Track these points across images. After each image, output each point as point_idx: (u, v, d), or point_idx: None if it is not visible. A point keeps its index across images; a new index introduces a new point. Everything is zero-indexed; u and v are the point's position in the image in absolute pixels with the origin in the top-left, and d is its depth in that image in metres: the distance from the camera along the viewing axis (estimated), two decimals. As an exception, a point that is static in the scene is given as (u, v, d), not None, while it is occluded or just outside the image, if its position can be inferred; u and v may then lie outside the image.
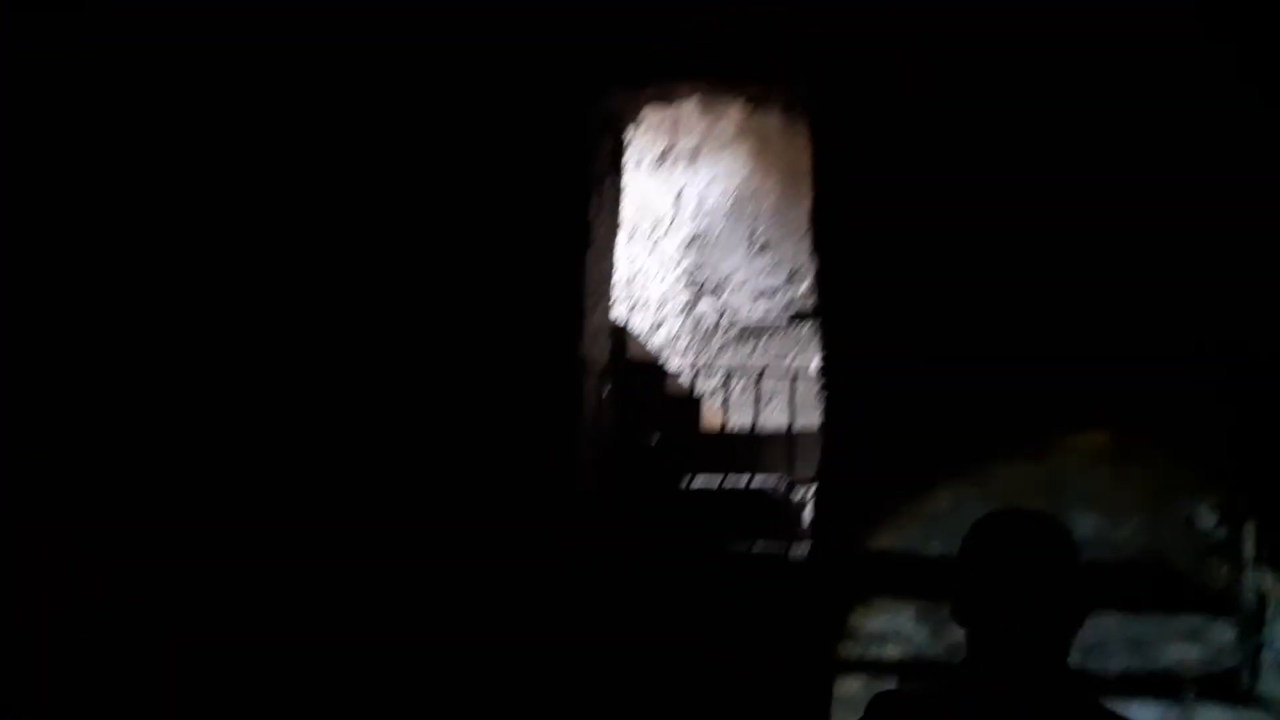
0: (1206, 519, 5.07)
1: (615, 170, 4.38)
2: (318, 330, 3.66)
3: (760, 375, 3.87)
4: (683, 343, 6.65)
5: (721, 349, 6.60)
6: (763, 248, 6.67)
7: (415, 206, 3.81)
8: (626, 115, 4.38)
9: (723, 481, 4.04)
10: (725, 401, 6.08)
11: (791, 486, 4.34)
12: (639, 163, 6.81)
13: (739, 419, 5.86)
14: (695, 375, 6.00)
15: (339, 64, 3.79)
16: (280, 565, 3.37)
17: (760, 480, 4.14)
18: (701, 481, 4.21)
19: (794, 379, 3.93)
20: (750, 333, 6.59)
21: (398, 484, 3.52)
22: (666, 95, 4.33)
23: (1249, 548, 3.53)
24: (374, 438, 3.58)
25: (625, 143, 4.52)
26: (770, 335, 6.61)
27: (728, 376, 3.54)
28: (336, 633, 3.36)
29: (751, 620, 3.28)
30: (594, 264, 4.14)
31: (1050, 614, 1.30)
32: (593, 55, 3.91)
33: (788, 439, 4.49)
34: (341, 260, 3.74)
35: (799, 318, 4.43)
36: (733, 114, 6.41)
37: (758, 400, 4.85)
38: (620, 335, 4.94)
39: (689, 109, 6.54)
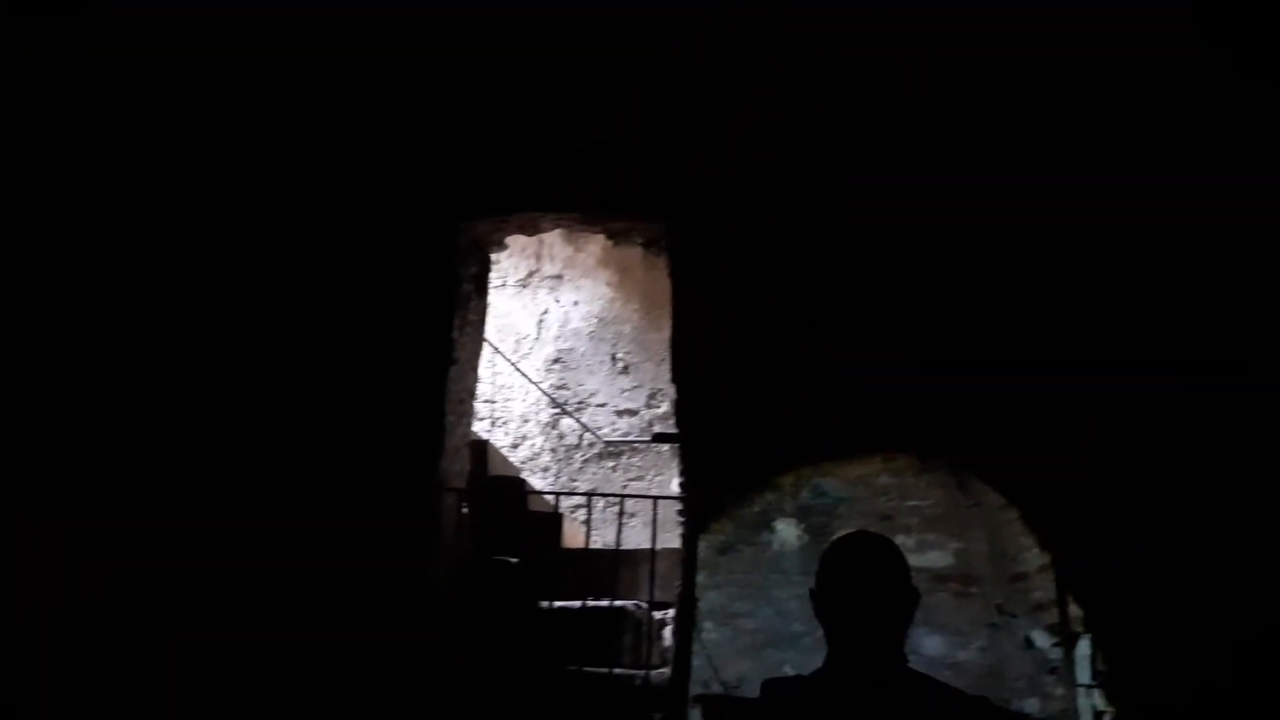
0: (1042, 640, 5.39)
1: (480, 291, 4.49)
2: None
3: (621, 497, 3.90)
4: (545, 459, 6.68)
5: (583, 466, 6.66)
6: (624, 369, 6.86)
7: (289, 321, 3.81)
8: (492, 240, 4.52)
9: (584, 602, 4.03)
10: (588, 520, 6.12)
11: (653, 607, 4.37)
12: (504, 283, 6.96)
13: (601, 537, 5.89)
14: (557, 494, 6.02)
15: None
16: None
17: (621, 602, 4.15)
18: (562, 601, 4.19)
19: (655, 499, 4.01)
20: (611, 451, 6.70)
21: (253, 594, 3.38)
22: (532, 225, 4.51)
23: (1083, 668, 3.78)
24: (233, 548, 3.44)
25: (490, 265, 4.64)
26: (631, 454, 6.74)
27: (590, 495, 3.58)
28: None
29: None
30: (456, 381, 4.18)
31: (883, 611, 1.68)
32: (460, 184, 4.07)
33: (650, 558, 4.54)
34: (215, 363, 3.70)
35: (660, 439, 4.55)
36: (596, 243, 6.68)
37: (620, 519, 4.90)
38: (482, 451, 4.94)
39: (552, 237, 6.79)
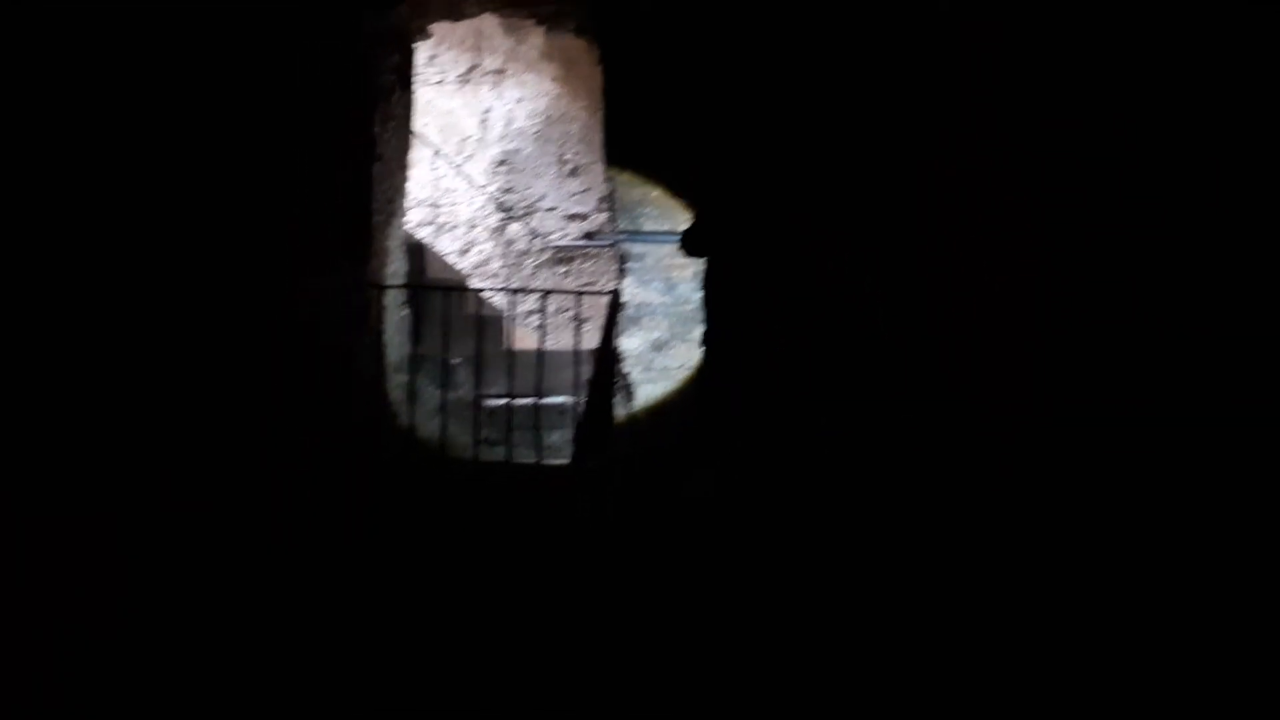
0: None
1: (403, 84, 4.28)
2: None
3: (545, 292, 3.88)
4: (494, 265, 6.63)
5: (535, 272, 6.61)
6: (573, 171, 6.69)
7: (195, 122, 3.60)
8: (414, 29, 4.27)
9: (517, 398, 4.11)
10: (541, 324, 6.14)
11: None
12: (443, 79, 6.65)
13: (552, 341, 5.95)
14: (508, 297, 6.01)
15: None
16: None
17: (555, 397, 4.25)
18: (501, 400, 4.27)
19: (579, 293, 4.00)
20: (562, 257, 6.64)
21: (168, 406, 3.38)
22: (454, 12, 4.24)
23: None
24: (138, 369, 3.40)
25: (413, 56, 4.40)
26: (583, 259, 6.68)
27: (516, 290, 3.56)
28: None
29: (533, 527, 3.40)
30: (383, 179, 4.06)
31: None
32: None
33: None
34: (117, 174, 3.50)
35: (589, 237, 4.50)
36: (537, 35, 6.34)
37: (578, 322, 4.91)
38: (419, 254, 4.88)
39: (491, 28, 6.42)
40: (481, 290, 4.61)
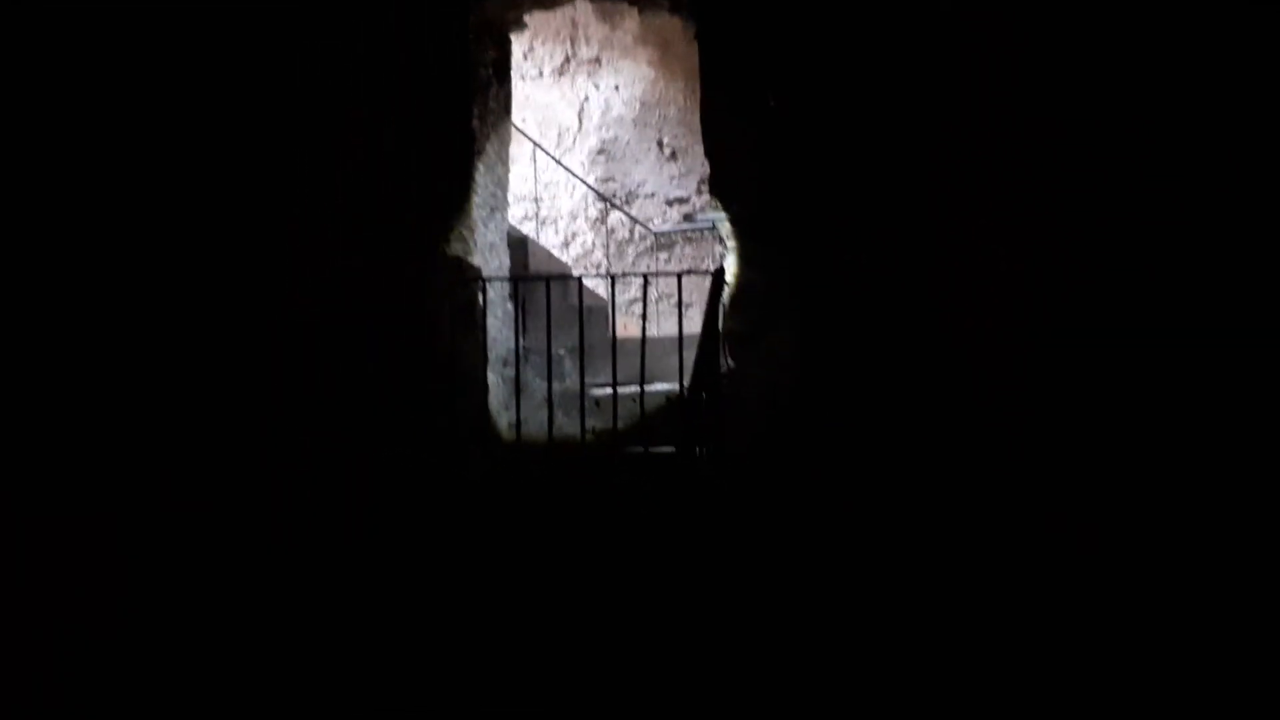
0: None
1: (500, 77, 4.28)
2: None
3: (646, 275, 3.83)
4: (597, 255, 6.63)
5: (636, 260, 6.58)
6: (672, 155, 6.62)
7: (292, 121, 3.68)
8: (509, 20, 4.27)
9: (623, 387, 4.07)
10: (643, 311, 6.09)
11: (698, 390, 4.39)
12: (540, 73, 6.67)
13: (656, 328, 5.92)
14: (611, 285, 6.00)
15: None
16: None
17: (663, 386, 4.19)
18: (607, 389, 4.25)
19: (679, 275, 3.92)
20: (664, 242, 6.59)
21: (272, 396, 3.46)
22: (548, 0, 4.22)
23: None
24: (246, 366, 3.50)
25: (510, 48, 4.40)
26: (685, 243, 6.61)
27: (612, 276, 3.52)
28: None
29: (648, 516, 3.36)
30: (484, 174, 4.08)
31: None
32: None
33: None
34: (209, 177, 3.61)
35: (688, 219, 4.42)
36: (631, 18, 6.28)
37: (682, 307, 4.85)
38: (522, 248, 4.91)
39: (586, 16, 6.40)
40: (582, 277, 4.59)
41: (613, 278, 3.46)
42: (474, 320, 3.72)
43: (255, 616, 2.96)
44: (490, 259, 4.13)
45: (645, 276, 3.35)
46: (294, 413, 3.17)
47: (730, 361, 3.72)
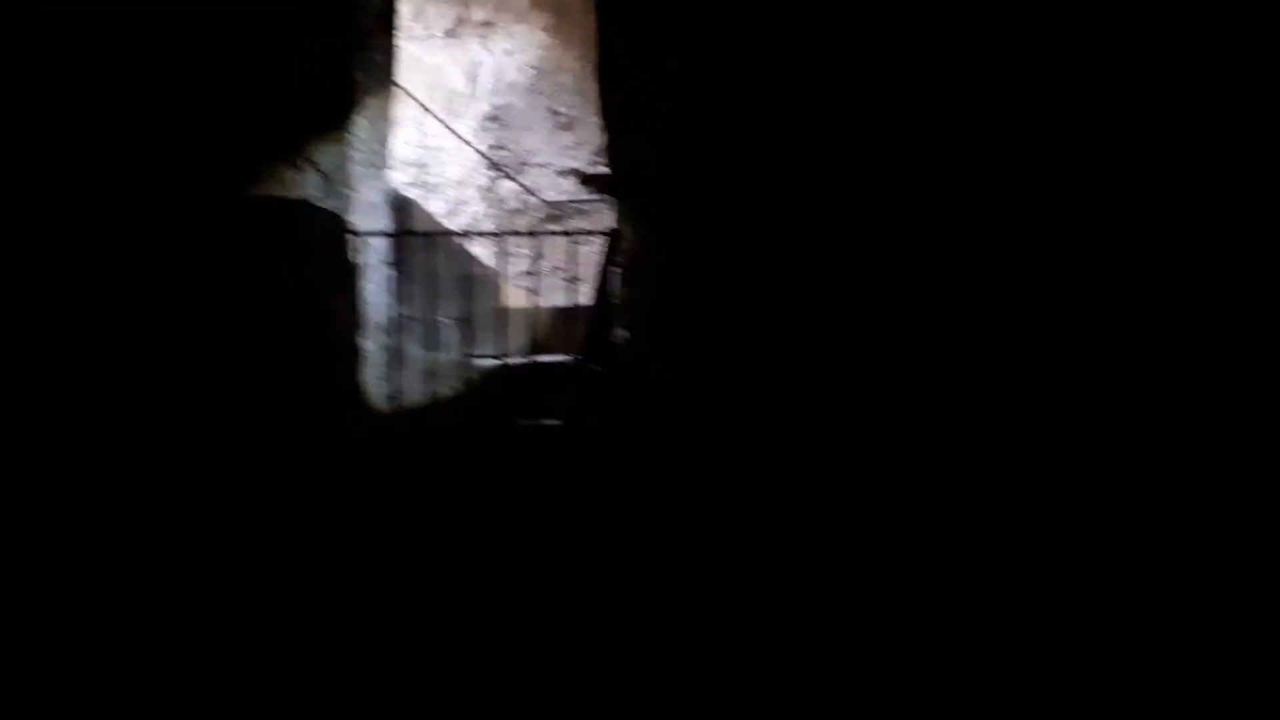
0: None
1: (385, 29, 4.04)
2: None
3: (532, 234, 3.69)
4: (486, 226, 6.41)
5: (526, 230, 6.40)
6: (566, 125, 6.46)
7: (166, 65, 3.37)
8: (393, -32, 4.03)
9: (511, 358, 3.93)
10: (532, 281, 5.93)
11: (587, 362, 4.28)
12: (428, 34, 6.40)
13: (548, 299, 5.77)
14: (499, 255, 5.80)
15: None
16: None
17: (551, 357, 4.06)
18: (494, 359, 4.09)
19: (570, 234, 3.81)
20: (555, 214, 6.42)
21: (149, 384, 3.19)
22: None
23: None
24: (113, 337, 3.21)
25: (395, 4, 4.17)
26: (579, 215, 6.47)
27: (498, 235, 3.37)
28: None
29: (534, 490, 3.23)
30: (364, 131, 3.84)
31: None
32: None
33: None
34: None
35: (586, 181, 4.30)
36: (525, -20, 6.09)
37: (574, 280, 4.72)
38: (404, 209, 4.68)
39: (478, -26, 6.17)
40: (465, 235, 4.39)
41: (499, 235, 3.30)
42: (349, 281, 3.50)
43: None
44: (370, 220, 3.89)
45: (533, 233, 3.21)
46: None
47: (625, 332, 3.62)
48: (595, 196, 5.63)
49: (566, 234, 3.34)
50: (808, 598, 2.76)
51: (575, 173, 6.46)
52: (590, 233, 3.68)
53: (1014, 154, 2.64)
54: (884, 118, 2.91)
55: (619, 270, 3.55)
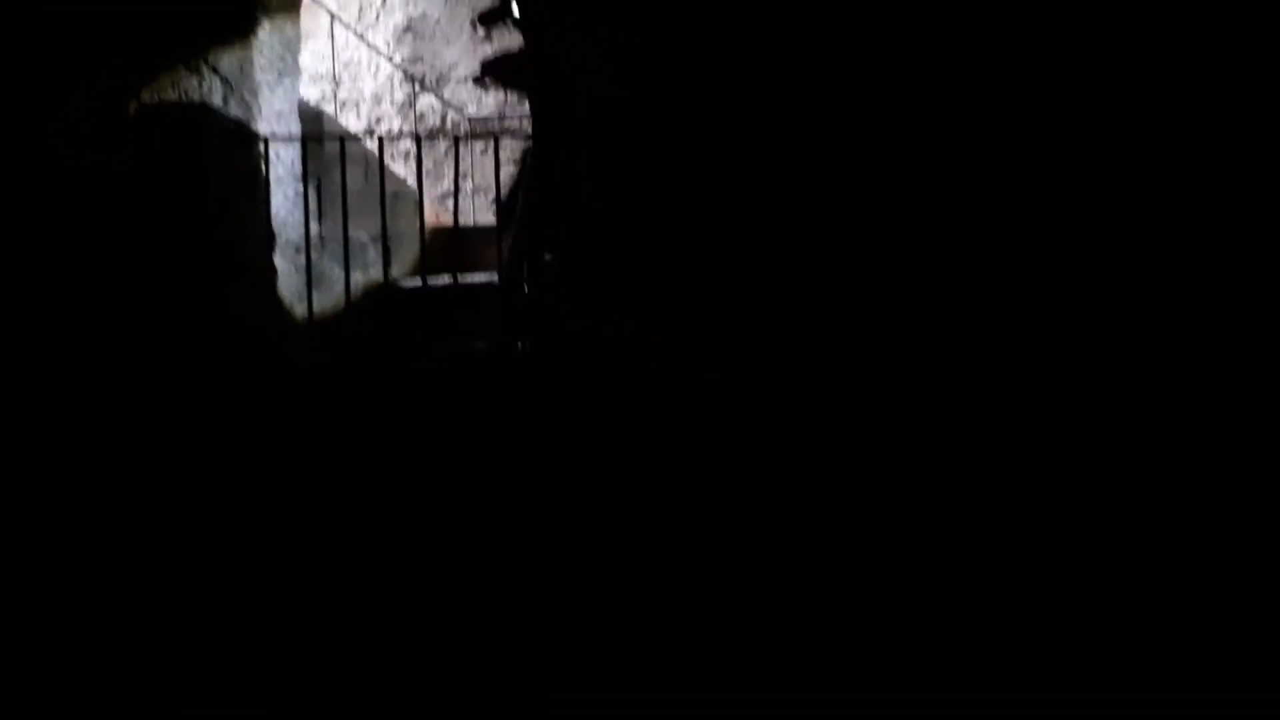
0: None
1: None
2: None
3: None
4: (406, 144, 6.12)
5: (449, 150, 6.14)
6: (487, 36, 6.16)
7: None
8: None
9: (433, 279, 3.77)
10: (454, 201, 5.70)
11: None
12: (339, -65, 6.00)
13: (473, 219, 5.58)
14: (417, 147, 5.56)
15: None
16: None
17: (480, 276, 3.92)
18: (416, 280, 3.93)
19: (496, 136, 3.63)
20: (479, 129, 6.17)
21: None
22: None
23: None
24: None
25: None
26: (504, 135, 6.23)
27: (417, 137, 3.19)
28: None
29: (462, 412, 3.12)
30: (269, 34, 3.58)
31: None
32: None
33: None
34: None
35: (485, 70, 4.11)
36: (441, -122, 5.72)
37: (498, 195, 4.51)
38: (317, 120, 4.42)
39: None
40: (383, 138, 4.17)
41: (418, 138, 3.13)
42: (255, 192, 3.29)
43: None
44: (278, 128, 3.66)
45: (455, 139, 3.04)
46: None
47: (548, 255, 3.49)
48: (521, 114, 5.41)
49: (492, 134, 3.17)
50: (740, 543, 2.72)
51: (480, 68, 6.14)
52: (511, 133, 3.50)
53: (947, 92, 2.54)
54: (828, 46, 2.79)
55: (538, 185, 3.41)
